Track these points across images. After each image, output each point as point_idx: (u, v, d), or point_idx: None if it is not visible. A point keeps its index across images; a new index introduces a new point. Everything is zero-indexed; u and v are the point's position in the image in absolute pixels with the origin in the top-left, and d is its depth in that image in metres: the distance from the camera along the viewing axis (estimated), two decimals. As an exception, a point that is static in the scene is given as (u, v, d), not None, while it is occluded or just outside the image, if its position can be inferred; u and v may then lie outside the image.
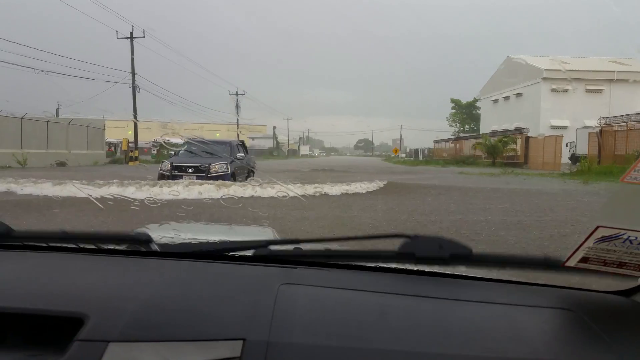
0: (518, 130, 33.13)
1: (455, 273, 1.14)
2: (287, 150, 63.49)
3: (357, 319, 0.88)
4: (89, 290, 0.96)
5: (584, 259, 0.94)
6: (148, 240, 1.19)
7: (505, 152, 29.88)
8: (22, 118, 22.91)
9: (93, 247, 1.20)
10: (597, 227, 0.87)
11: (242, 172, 14.38)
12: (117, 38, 26.47)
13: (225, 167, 13.22)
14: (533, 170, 22.06)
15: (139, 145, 29.98)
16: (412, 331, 0.85)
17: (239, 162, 14.23)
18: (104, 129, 24.41)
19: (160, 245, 1.20)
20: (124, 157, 26.08)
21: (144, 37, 27.69)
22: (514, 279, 1.14)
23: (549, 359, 0.80)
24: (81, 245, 1.20)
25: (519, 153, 29.48)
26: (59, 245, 1.21)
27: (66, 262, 1.14)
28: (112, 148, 31.25)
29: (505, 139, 30.15)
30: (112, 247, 1.20)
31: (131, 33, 27.41)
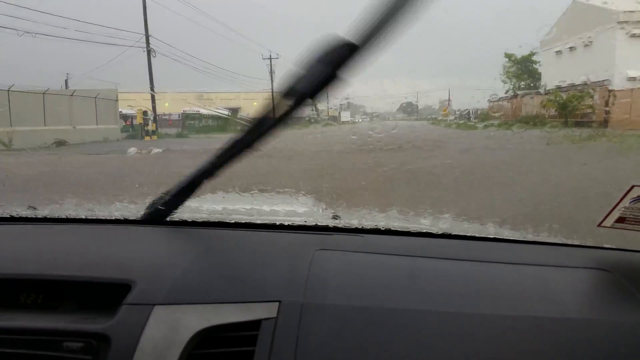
0: (586, 84, 28.81)
1: (486, 235, 1.16)
2: (327, 117, 60.51)
3: (389, 281, 0.93)
4: (135, 258, 1.04)
5: (620, 219, 0.93)
6: (189, 211, 1.23)
7: (582, 109, 25.78)
8: (8, 90, 19.82)
9: (137, 218, 1.25)
10: (633, 187, 0.87)
11: None
12: (127, -5, 23.67)
13: None
14: (631, 131, 18.26)
15: (165, 117, 27.41)
16: (442, 292, 0.88)
17: None
18: (117, 100, 21.61)
19: (201, 216, 1.25)
20: (139, 132, 23.36)
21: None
22: (547, 240, 1.14)
23: (580, 318, 0.82)
24: (126, 217, 1.27)
25: (597, 110, 25.34)
26: (106, 218, 1.29)
27: (114, 233, 1.21)
28: (130, 121, 28.23)
29: (581, 94, 25.98)
30: (155, 218, 1.23)
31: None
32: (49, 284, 0.93)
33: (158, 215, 1.24)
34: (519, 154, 11.67)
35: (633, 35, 31.26)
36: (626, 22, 31.05)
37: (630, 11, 30.17)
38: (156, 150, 14.34)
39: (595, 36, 34.38)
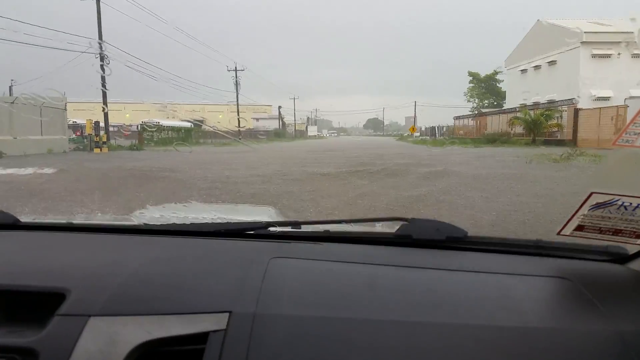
0: (551, 101, 29.10)
1: (448, 244, 1.13)
2: (293, 131, 59.78)
3: (347, 290, 0.88)
4: (74, 266, 0.95)
5: (580, 227, 0.91)
6: (140, 218, 1.18)
7: (548, 128, 25.78)
8: None
9: (81, 225, 1.17)
10: (591, 194, 0.85)
11: None
12: (81, -1, 22.20)
13: None
14: (595, 150, 18.06)
15: (124, 128, 26.08)
16: (400, 301, 0.85)
17: None
18: (65, 109, 20.01)
19: (153, 223, 1.19)
20: (88, 143, 21.32)
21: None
22: (508, 249, 1.12)
23: (540, 327, 0.80)
24: (70, 224, 1.18)
25: (565, 129, 25.36)
26: (44, 224, 1.18)
27: (52, 240, 1.12)
28: (80, 132, 26.06)
29: (548, 112, 25.99)
30: (101, 224, 1.17)
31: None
32: None
33: (106, 222, 1.14)
34: (488, 169, 11.02)
35: (595, 56, 31.66)
36: (589, 42, 31.51)
37: (592, 32, 30.63)
38: (45, 170, 10.74)
39: (560, 56, 34.86)
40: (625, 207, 0.85)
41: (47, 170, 10.59)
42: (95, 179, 9.65)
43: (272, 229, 1.20)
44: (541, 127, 25.71)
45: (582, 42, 30.72)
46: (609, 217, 0.88)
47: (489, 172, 9.85)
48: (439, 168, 10.83)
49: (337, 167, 11.43)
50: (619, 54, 29.84)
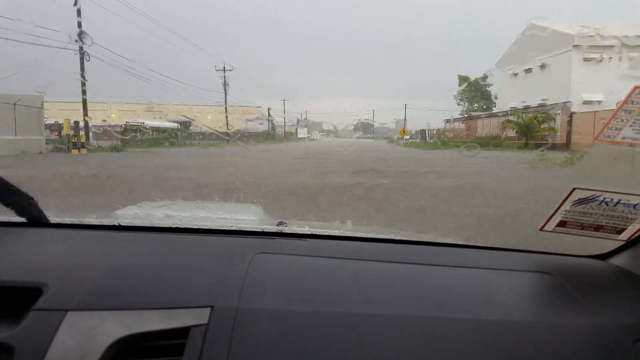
0: (542, 105, 28.87)
1: (432, 240, 1.15)
2: (283, 133, 59.11)
3: (330, 285, 0.88)
4: (52, 261, 0.93)
5: (562, 223, 0.91)
6: (123, 216, 1.15)
7: (542, 131, 25.44)
8: None
9: (61, 222, 1.15)
10: (574, 189, 0.85)
11: None
12: (60, -5, 21.23)
13: None
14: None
15: (107, 128, 25.36)
16: (384, 295, 0.86)
17: None
18: (42, 108, 19.06)
19: (135, 220, 1.15)
20: (66, 144, 20.15)
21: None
22: (490, 244, 1.13)
23: (522, 320, 0.81)
24: (52, 220, 1.15)
25: (558, 132, 25.03)
26: (19, 221, 1.14)
27: (28, 235, 1.09)
28: (59, 132, 24.76)
29: (542, 116, 25.65)
30: (81, 222, 1.14)
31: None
32: None
33: (86, 220, 1.13)
34: (476, 170, 10.49)
35: (587, 59, 31.41)
36: (581, 46, 31.24)
37: (584, 36, 30.35)
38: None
39: (551, 59, 34.59)
40: (607, 203, 0.85)
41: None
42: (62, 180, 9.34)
43: (257, 226, 1.19)
44: (534, 131, 25.37)
45: (574, 46, 30.49)
46: (591, 213, 0.88)
47: (527, 187, 8.15)
48: (466, 181, 8.93)
49: (341, 178, 9.64)
50: (610, 57, 29.63)
